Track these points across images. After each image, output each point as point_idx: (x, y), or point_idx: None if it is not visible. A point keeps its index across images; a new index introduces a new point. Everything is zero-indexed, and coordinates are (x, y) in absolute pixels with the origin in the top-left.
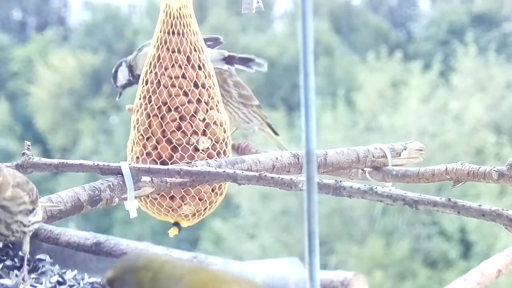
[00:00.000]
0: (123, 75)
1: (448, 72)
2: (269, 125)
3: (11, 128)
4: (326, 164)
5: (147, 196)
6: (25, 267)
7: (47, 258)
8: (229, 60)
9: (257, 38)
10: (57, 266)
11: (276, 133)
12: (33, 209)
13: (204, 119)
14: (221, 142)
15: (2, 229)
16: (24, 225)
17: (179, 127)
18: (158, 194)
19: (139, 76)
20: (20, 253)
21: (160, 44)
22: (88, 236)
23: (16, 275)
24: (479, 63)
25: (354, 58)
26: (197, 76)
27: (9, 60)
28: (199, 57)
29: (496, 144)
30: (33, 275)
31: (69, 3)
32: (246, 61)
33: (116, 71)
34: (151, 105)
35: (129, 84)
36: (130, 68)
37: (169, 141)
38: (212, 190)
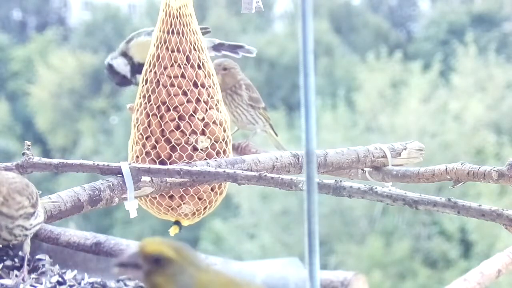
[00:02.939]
0: (120, 65)
1: (448, 72)
2: (271, 126)
3: (11, 128)
4: (326, 164)
5: (147, 196)
6: (25, 267)
7: (47, 258)
8: (217, 47)
9: (257, 38)
10: (57, 266)
11: (276, 134)
12: (34, 212)
13: (203, 119)
14: (220, 142)
15: (5, 234)
16: (26, 229)
17: (178, 127)
18: (158, 194)
19: (138, 63)
20: (20, 253)
21: (160, 43)
22: (88, 236)
23: (16, 275)
24: (479, 63)
25: (354, 58)
26: (197, 75)
27: (9, 60)
28: (198, 57)
29: (496, 144)
30: (33, 275)
31: (69, 3)
32: (234, 48)
33: (111, 69)
34: (151, 104)
35: (132, 69)
36: (125, 55)
37: (168, 141)
38: (212, 190)
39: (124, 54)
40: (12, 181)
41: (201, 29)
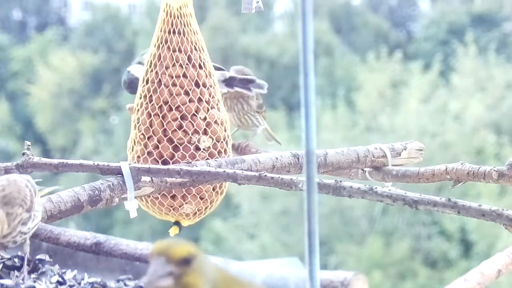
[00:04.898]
0: (138, 71)
1: (448, 72)
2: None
3: (11, 128)
4: (326, 164)
5: (148, 196)
6: (25, 267)
7: (47, 258)
8: (229, 82)
9: (257, 38)
10: (57, 266)
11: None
12: (30, 215)
13: (205, 118)
14: (222, 141)
15: (11, 245)
16: (25, 233)
17: (180, 126)
18: (159, 194)
19: None
20: (20, 253)
21: (161, 43)
22: (88, 236)
23: (16, 275)
24: (479, 63)
25: (354, 58)
26: (198, 75)
27: (9, 60)
28: (199, 56)
29: (496, 144)
30: (33, 275)
31: (69, 3)
32: (246, 83)
33: (128, 74)
34: (152, 104)
35: None
36: (142, 64)
37: (170, 140)
38: (213, 189)
39: (141, 64)
40: (5, 191)
41: (217, 68)
